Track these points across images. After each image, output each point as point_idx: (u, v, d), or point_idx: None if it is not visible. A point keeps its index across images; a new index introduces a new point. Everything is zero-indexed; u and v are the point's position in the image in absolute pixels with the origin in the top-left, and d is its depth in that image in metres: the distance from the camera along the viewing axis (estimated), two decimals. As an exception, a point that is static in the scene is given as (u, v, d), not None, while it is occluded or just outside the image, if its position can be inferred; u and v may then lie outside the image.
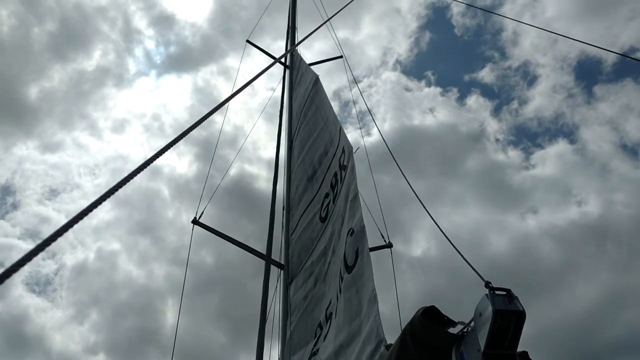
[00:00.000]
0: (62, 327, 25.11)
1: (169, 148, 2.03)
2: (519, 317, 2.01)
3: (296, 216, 7.61)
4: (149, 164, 1.89)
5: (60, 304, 26.45)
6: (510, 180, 27.97)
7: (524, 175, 28.70)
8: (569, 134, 30.73)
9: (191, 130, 2.16)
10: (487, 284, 2.11)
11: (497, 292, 2.07)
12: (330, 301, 5.46)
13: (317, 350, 5.36)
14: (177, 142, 2.07)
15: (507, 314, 2.00)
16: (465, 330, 2.22)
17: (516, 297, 2.07)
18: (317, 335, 5.54)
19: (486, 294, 2.08)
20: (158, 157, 1.95)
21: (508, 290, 2.08)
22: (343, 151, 6.39)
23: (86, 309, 24.84)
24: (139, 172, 1.84)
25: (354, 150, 5.30)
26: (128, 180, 1.78)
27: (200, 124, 2.24)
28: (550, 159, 29.98)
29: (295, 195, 7.95)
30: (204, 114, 2.27)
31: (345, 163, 6.20)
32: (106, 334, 24.03)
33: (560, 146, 30.36)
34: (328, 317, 5.38)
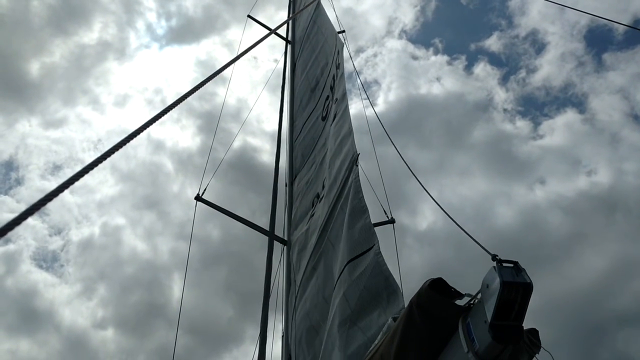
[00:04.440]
0: (71, 302, 25.46)
1: (166, 113, 2.03)
2: (526, 289, 2.06)
3: (299, 123, 8.44)
4: (146, 128, 1.90)
5: (68, 280, 26.79)
6: (517, 150, 27.68)
7: (531, 146, 28.42)
8: (578, 103, 30.36)
9: (187, 97, 2.17)
10: (495, 257, 2.14)
11: (504, 264, 2.11)
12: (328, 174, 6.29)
13: (314, 213, 6.20)
14: (173, 107, 2.08)
15: (514, 286, 2.04)
16: (472, 302, 2.26)
17: (523, 269, 2.11)
18: (315, 204, 6.43)
19: (494, 266, 2.12)
20: (154, 122, 1.95)
21: (515, 263, 2.12)
22: (338, 53, 7.27)
23: (93, 284, 25.13)
24: (136, 136, 1.85)
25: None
26: (125, 144, 1.79)
27: (196, 91, 2.25)
28: (559, 128, 29.66)
29: (299, 107, 8.76)
30: (201, 81, 2.28)
31: (339, 62, 7.08)
32: (114, 309, 24.36)
33: (569, 116, 30.00)
34: (325, 185, 6.15)
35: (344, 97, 6.03)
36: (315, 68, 8.57)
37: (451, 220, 2.94)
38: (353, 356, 3.80)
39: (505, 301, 2.03)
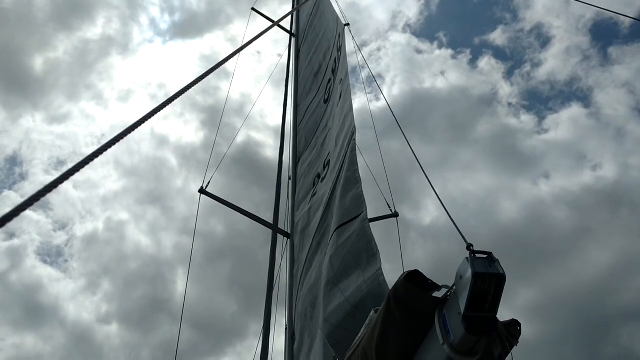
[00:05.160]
0: (75, 297, 25.58)
1: (167, 105, 2.02)
2: (499, 280, 2.04)
3: (303, 108, 8.65)
4: (147, 119, 1.89)
5: (72, 275, 26.90)
6: (522, 145, 27.49)
7: (536, 140, 28.23)
8: (583, 97, 30.11)
9: (189, 89, 2.15)
10: (469, 247, 2.13)
11: (478, 255, 2.09)
12: (329, 153, 6.47)
13: (316, 192, 6.45)
14: (175, 99, 2.07)
15: (487, 277, 2.02)
16: (448, 293, 2.25)
17: (497, 260, 2.09)
18: (316, 185, 6.68)
19: (467, 257, 2.10)
20: (156, 113, 1.94)
21: (489, 254, 2.10)
22: (339, 36, 7.37)
23: (98, 279, 25.24)
24: (137, 127, 1.84)
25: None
26: (126, 135, 1.78)
27: (198, 82, 2.23)
28: (564, 123, 29.44)
29: (303, 92, 8.96)
30: (204, 73, 2.26)
31: (341, 44, 7.16)
32: (118, 304, 24.48)
33: (574, 110, 29.73)
34: (326, 165, 6.43)
35: (346, 77, 6.24)
36: (318, 53, 8.73)
37: (454, 214, 2.91)
38: (331, 316, 3.96)
39: (478, 292, 2.02)
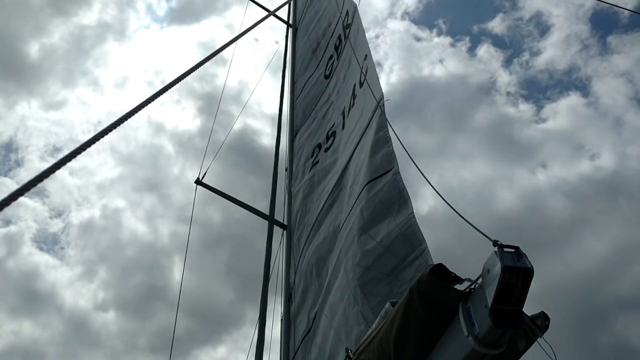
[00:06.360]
0: (72, 284, 25.58)
1: (163, 93, 2.01)
2: (527, 273, 2.07)
3: (300, 84, 8.92)
4: (143, 107, 1.88)
5: (69, 262, 26.88)
6: (520, 134, 27.36)
7: (534, 129, 28.12)
8: (582, 87, 30.00)
9: (185, 77, 2.15)
10: (496, 242, 2.16)
11: (505, 249, 2.12)
12: (334, 124, 6.85)
13: (318, 162, 6.83)
14: (171, 87, 2.05)
15: (515, 271, 2.05)
16: (472, 287, 2.27)
17: (524, 254, 2.12)
18: (315, 154, 7.05)
19: (495, 251, 2.13)
20: (152, 101, 1.93)
21: (517, 248, 2.13)
22: (347, 14, 7.54)
23: (94, 267, 25.23)
24: (132, 115, 1.83)
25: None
26: (122, 122, 1.77)
27: (194, 71, 2.23)
28: (562, 112, 29.34)
29: (301, 68, 9.22)
30: (198, 62, 2.26)
31: (349, 22, 7.34)
32: (115, 291, 24.48)
33: (573, 99, 29.61)
34: (330, 135, 6.81)
35: (370, 60, 6.52)
36: (317, 30, 8.94)
37: (454, 204, 2.94)
38: (362, 259, 4.32)
39: (506, 286, 2.05)
